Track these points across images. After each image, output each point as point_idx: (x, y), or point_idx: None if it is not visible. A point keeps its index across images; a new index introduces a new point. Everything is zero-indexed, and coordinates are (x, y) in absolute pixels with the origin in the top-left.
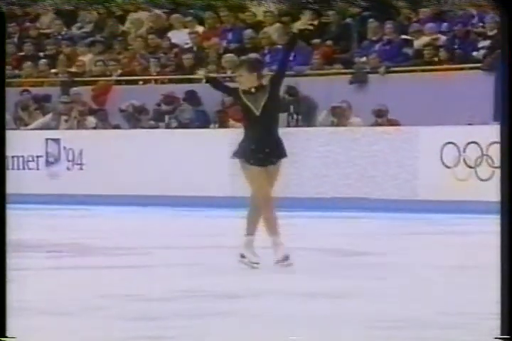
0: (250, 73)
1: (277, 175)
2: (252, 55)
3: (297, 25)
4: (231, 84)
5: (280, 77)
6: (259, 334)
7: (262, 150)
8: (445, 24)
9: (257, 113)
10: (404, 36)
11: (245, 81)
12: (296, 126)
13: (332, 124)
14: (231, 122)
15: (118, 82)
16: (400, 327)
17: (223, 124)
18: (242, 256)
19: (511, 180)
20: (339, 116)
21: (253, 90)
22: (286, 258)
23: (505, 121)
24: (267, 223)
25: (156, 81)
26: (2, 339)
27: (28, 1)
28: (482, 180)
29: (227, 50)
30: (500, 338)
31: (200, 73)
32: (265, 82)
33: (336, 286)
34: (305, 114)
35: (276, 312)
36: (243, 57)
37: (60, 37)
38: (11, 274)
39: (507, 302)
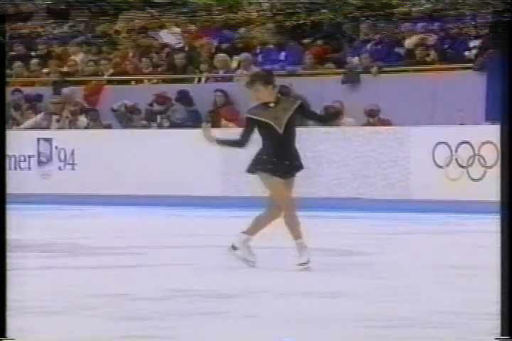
0: (266, 86)
1: (293, 186)
2: (245, 55)
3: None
4: (223, 85)
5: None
6: (252, 333)
7: (282, 163)
8: (436, 24)
9: (280, 131)
10: (396, 34)
11: (263, 95)
12: None
13: (325, 124)
14: (223, 122)
15: (110, 82)
16: (394, 327)
17: (215, 124)
18: (234, 248)
19: (511, 180)
20: None
21: (272, 105)
22: (308, 261)
23: (505, 121)
24: (291, 227)
25: (148, 81)
26: (2, 339)
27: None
28: (474, 179)
29: (219, 50)
30: (500, 338)
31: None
32: (278, 93)
33: (329, 286)
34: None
35: (268, 311)
36: (254, 72)
37: (51, 36)
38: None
39: (507, 302)
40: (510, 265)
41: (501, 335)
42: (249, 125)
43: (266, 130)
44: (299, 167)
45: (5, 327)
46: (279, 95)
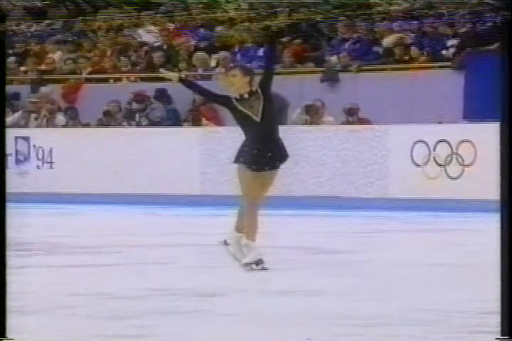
0: (244, 76)
1: (274, 179)
2: (223, 53)
3: (275, 24)
4: (201, 83)
5: (269, 78)
6: (231, 332)
7: (265, 155)
8: (415, 22)
9: (258, 119)
10: (374, 33)
11: (238, 85)
12: None
13: (306, 122)
14: (204, 121)
15: (88, 80)
16: (371, 325)
17: (196, 123)
18: (226, 243)
19: (511, 180)
20: (313, 115)
21: (246, 96)
22: (259, 261)
23: (505, 120)
24: (249, 228)
25: (126, 79)
26: (2, 339)
27: None
28: (452, 178)
29: (197, 48)
30: (500, 338)
31: (172, 74)
32: (255, 87)
33: (309, 284)
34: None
35: (249, 310)
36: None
37: (29, 34)
38: None
39: (507, 302)
40: (510, 264)
41: (501, 335)
42: (226, 100)
43: (244, 120)
44: (283, 157)
45: (5, 327)
46: (256, 89)
